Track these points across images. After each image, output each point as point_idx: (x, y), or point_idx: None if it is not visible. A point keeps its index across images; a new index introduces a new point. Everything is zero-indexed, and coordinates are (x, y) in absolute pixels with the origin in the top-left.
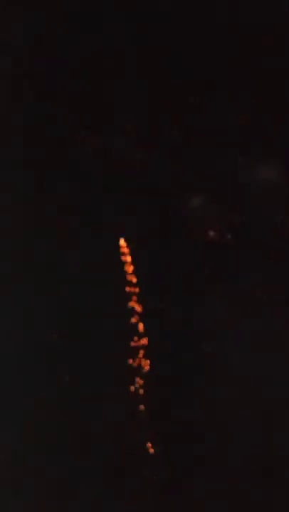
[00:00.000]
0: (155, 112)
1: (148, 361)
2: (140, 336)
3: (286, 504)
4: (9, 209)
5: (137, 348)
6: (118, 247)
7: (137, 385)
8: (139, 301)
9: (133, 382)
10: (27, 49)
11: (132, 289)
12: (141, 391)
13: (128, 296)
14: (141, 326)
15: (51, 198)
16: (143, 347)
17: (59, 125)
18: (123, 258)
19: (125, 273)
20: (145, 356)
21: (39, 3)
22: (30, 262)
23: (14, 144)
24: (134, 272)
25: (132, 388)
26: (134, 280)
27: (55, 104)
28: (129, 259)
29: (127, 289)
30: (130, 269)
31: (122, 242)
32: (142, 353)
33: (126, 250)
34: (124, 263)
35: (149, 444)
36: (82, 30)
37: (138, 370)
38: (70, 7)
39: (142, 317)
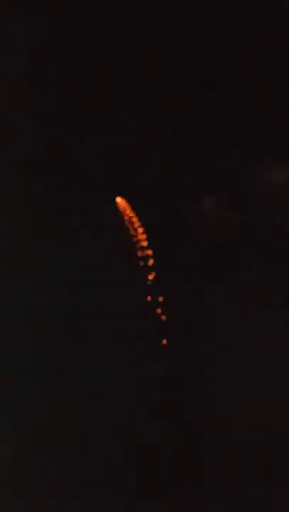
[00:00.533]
0: (155, 112)
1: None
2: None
3: (286, 504)
4: (9, 209)
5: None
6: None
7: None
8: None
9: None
10: (27, 49)
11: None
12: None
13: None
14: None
15: (51, 198)
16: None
17: (59, 125)
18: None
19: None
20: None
21: (39, 3)
22: (30, 262)
23: (14, 143)
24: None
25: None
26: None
27: (55, 104)
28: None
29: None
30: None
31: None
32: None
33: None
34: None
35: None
36: (82, 30)
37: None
38: (70, 7)
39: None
